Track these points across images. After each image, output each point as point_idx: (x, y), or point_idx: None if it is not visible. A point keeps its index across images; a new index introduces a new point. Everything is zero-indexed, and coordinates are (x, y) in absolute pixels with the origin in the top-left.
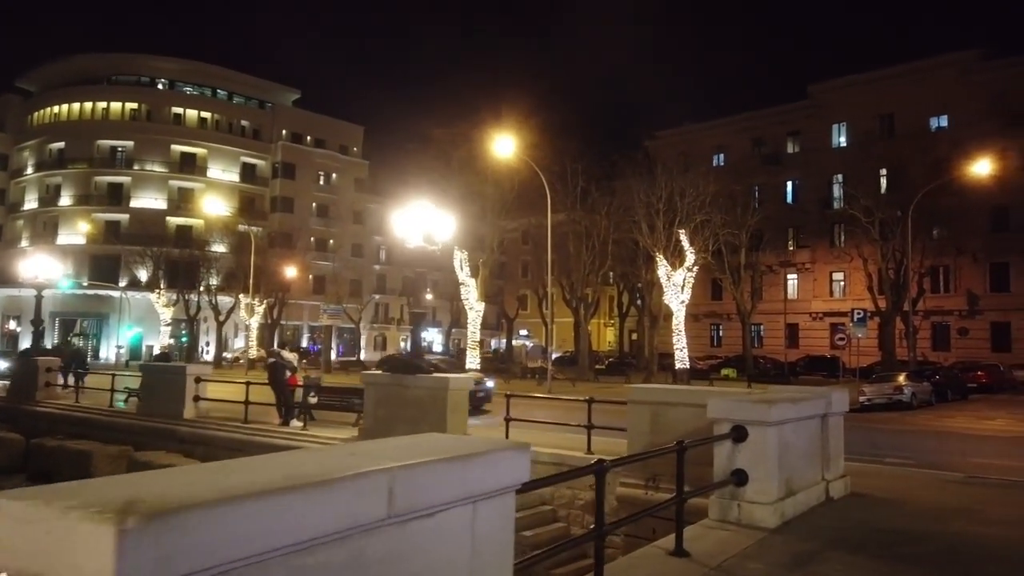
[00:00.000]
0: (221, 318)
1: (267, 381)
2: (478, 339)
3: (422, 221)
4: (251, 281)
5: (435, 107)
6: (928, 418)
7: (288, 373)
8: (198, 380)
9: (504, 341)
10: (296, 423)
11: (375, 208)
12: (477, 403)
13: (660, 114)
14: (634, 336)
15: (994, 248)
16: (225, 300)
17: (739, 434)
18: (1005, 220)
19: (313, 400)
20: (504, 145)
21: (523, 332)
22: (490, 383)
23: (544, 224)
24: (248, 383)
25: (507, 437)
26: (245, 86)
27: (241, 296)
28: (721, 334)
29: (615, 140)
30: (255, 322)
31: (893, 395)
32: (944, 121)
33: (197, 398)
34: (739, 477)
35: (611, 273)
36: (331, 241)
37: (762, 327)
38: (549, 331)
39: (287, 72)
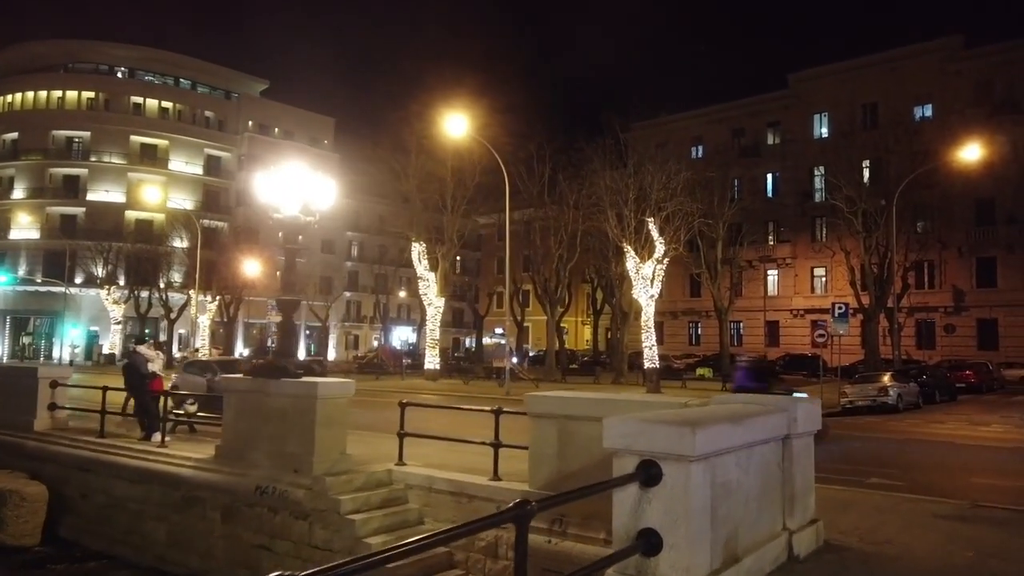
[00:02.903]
0: (172, 316)
1: (123, 386)
2: (438, 337)
3: (298, 187)
4: (197, 276)
5: (407, 98)
6: (916, 423)
7: (149, 376)
8: (54, 385)
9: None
10: (156, 437)
11: (347, 203)
12: None
13: (636, 104)
14: (610, 334)
15: (980, 242)
16: (178, 297)
17: (649, 474)
18: (991, 213)
19: (192, 408)
20: (457, 125)
21: (498, 330)
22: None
23: (518, 219)
24: (105, 388)
25: (400, 457)
26: (209, 75)
27: (192, 292)
28: (700, 332)
29: (588, 130)
30: (205, 320)
31: (877, 397)
32: (928, 110)
33: (53, 406)
34: (648, 541)
35: (587, 269)
36: (300, 237)
37: (742, 325)
38: (514, 328)
39: (255, 62)
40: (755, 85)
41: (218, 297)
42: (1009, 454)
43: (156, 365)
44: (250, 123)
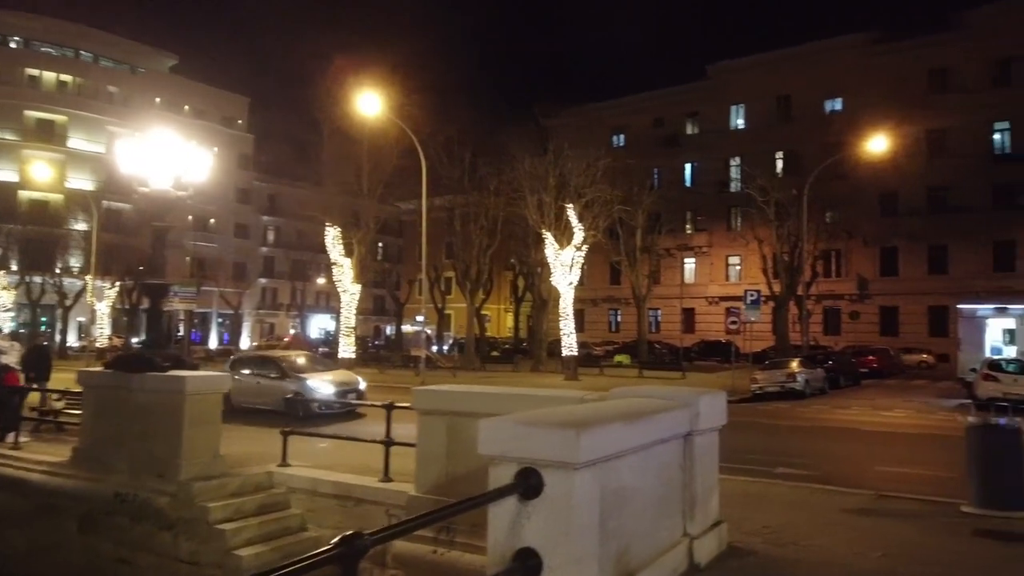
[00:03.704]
0: (68, 303)
1: None
2: (353, 325)
3: (169, 158)
4: (94, 260)
5: (324, 76)
6: (822, 409)
7: (2, 368)
8: None
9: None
10: (11, 438)
11: (262, 186)
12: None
13: (557, 92)
14: (532, 322)
15: (884, 232)
16: (76, 283)
17: (528, 485)
18: (894, 205)
19: (59, 405)
20: (371, 104)
21: (419, 318)
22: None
23: (440, 205)
24: None
25: (284, 458)
26: (114, 48)
27: (88, 278)
28: (619, 319)
29: (511, 116)
30: (104, 307)
31: (786, 383)
32: (838, 104)
33: None
34: (526, 564)
35: (509, 256)
36: (212, 220)
37: (659, 312)
38: (435, 316)
39: (165, 37)
40: (677, 75)
41: (118, 283)
42: (911, 440)
43: (11, 357)
44: (158, 100)
